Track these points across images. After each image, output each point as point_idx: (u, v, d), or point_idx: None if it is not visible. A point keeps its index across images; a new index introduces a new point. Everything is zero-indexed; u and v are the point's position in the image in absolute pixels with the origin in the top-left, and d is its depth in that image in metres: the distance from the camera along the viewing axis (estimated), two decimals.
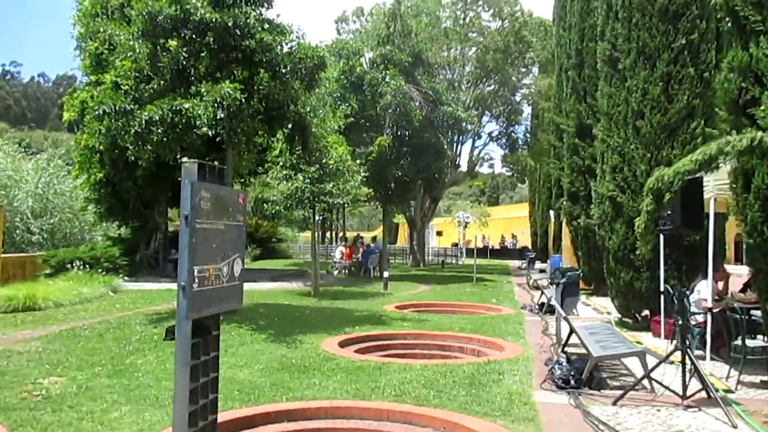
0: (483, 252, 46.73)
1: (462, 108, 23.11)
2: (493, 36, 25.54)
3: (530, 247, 42.71)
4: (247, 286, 15.89)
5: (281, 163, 15.38)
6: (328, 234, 41.70)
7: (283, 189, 15.30)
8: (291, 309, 12.38)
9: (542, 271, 22.87)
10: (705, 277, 8.15)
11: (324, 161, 15.21)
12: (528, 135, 27.41)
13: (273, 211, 16.46)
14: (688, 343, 5.67)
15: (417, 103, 20.48)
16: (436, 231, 54.26)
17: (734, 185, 5.63)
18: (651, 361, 6.48)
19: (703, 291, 7.93)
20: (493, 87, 27.43)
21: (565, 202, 17.41)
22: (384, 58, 21.29)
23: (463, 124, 21.87)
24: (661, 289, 9.63)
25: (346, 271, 23.58)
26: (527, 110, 28.67)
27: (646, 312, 10.80)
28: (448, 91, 23.89)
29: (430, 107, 20.75)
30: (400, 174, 21.17)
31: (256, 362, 7.53)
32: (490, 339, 9.49)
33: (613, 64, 10.89)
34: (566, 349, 8.62)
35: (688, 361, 5.66)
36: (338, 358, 7.80)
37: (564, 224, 19.99)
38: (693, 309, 8.07)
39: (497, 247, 51.62)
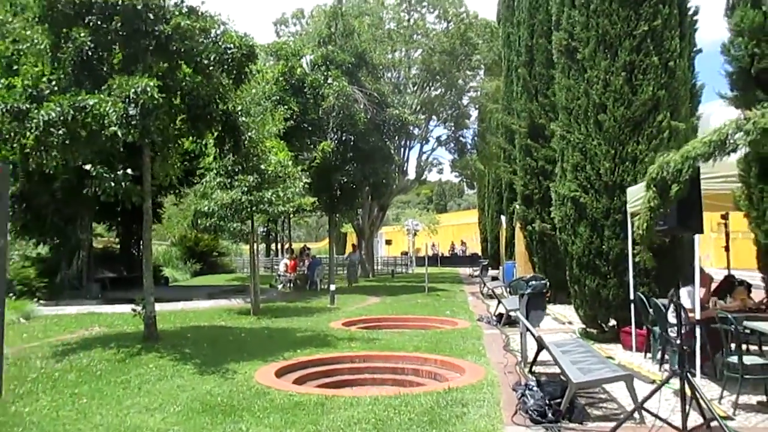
0: (433, 260, 45.98)
1: (409, 111, 22.19)
2: (438, 38, 24.78)
3: (480, 254, 42.27)
4: (180, 305, 14.44)
5: (215, 170, 14.05)
6: (273, 246, 40.17)
7: (218, 198, 13.97)
8: (225, 332, 11.08)
9: (495, 278, 22.12)
10: (685, 283, 7.33)
11: (262, 167, 13.98)
12: (476, 139, 26.72)
13: (206, 225, 15.10)
14: (687, 367, 4.73)
15: (362, 106, 19.44)
16: (385, 240, 53.38)
17: (745, 174, 4.75)
18: (638, 384, 5.57)
19: (686, 300, 7.10)
20: (440, 90, 26.65)
21: (518, 206, 16.66)
22: (326, 59, 20.20)
23: (411, 128, 20.96)
24: (632, 297, 8.85)
25: (291, 285, 22.27)
26: (475, 114, 28.05)
27: (614, 322, 9.99)
28: (394, 94, 22.96)
29: (375, 110, 19.75)
30: (345, 180, 20.05)
31: (173, 403, 6.26)
32: (448, 359, 8.46)
33: (570, 54, 10.10)
34: (534, 368, 7.67)
35: (687, 389, 4.74)
36: (273, 392, 6.61)
37: (517, 229, 19.27)
38: (673, 320, 7.22)
39: (447, 254, 51.05)
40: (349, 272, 23.55)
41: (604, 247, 9.43)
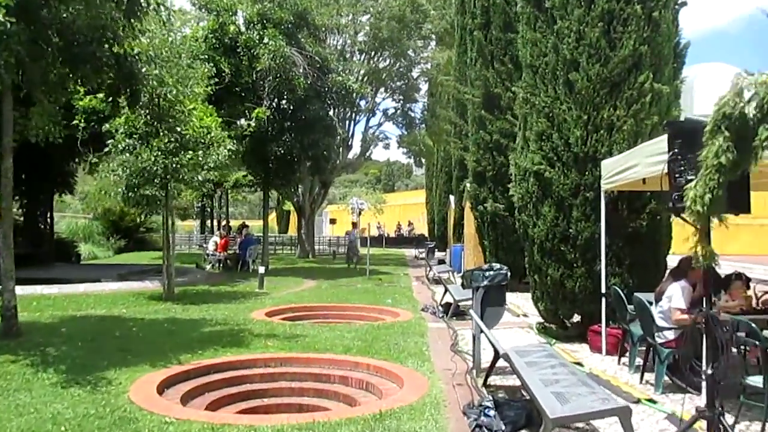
0: (378, 241, 44.53)
1: (354, 79, 20.37)
2: (388, 2, 22.95)
3: (427, 235, 41.00)
4: (81, 288, 12.24)
5: (122, 131, 12.01)
6: (209, 222, 37.82)
7: (125, 163, 11.99)
8: (116, 324, 9.20)
9: (442, 261, 20.76)
10: (675, 277, 5.93)
11: (180, 129, 12.05)
12: (425, 113, 25.10)
13: (113, 193, 13.08)
14: (718, 403, 3.26)
15: (301, 70, 17.53)
16: (329, 219, 51.62)
17: None
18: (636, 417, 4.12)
19: (676, 297, 5.70)
20: (388, 61, 24.87)
21: (469, 185, 15.20)
22: (261, 17, 18.12)
23: (356, 98, 19.20)
24: (602, 289, 7.46)
25: (221, 266, 20.34)
26: (425, 88, 26.44)
27: (578, 318, 8.62)
28: (339, 62, 21.07)
29: (316, 75, 17.86)
30: (282, 152, 18.16)
31: None
32: (384, 365, 6.88)
33: (537, 2, 8.55)
34: (490, 380, 6.18)
35: None
36: (143, 417, 4.89)
37: (467, 210, 17.87)
38: (662, 322, 5.83)
39: (393, 235, 49.67)
40: (349, 253, 21.26)
41: (571, 230, 8.00)
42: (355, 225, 25.74)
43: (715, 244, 3.34)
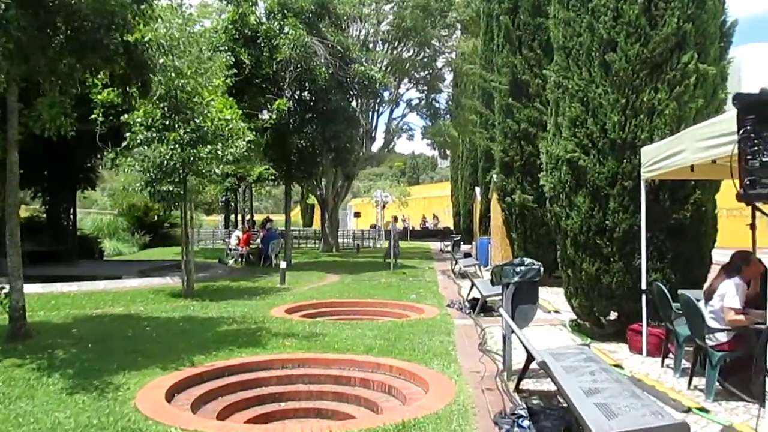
0: (403, 234, 44.08)
1: (377, 69, 19.85)
2: None
3: (453, 228, 40.41)
4: (102, 285, 12.11)
5: (140, 123, 11.73)
6: (233, 217, 37.70)
7: (143, 156, 11.75)
8: (130, 323, 8.93)
9: (468, 255, 20.23)
10: (728, 273, 5.39)
11: (198, 121, 11.75)
12: (450, 103, 24.48)
13: (131, 189, 12.85)
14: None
15: (322, 60, 17.11)
16: (354, 212, 51.33)
17: None
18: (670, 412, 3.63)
19: (729, 296, 5.17)
20: (412, 51, 24.30)
21: (496, 175, 14.67)
22: (282, 6, 17.75)
23: (378, 88, 18.73)
24: (643, 286, 6.93)
25: (243, 261, 20.10)
26: (450, 78, 25.84)
27: (615, 315, 8.09)
28: (361, 52, 20.59)
29: (338, 64, 17.43)
30: (304, 144, 17.79)
31: None
32: (408, 366, 6.46)
33: None
34: (522, 384, 5.72)
35: None
36: (149, 427, 4.55)
37: (494, 201, 17.34)
38: (713, 323, 5.31)
39: (418, 228, 49.16)
40: (392, 249, 20.00)
41: (607, 222, 7.46)
42: (396, 219, 24.86)
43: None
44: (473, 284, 11.59)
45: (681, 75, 7.04)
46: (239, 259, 20.13)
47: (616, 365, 6.39)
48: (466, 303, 11.12)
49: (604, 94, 7.43)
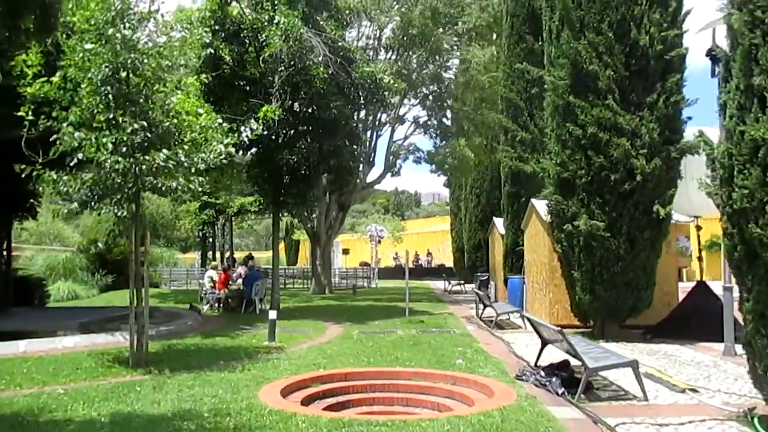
0: (397, 272, 40.50)
1: (386, 71, 16.56)
2: None
3: (453, 265, 36.94)
4: (23, 346, 7.46)
5: (70, 120, 8.23)
6: (211, 254, 33.78)
7: (77, 167, 8.24)
8: None
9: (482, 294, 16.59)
10: None
11: (155, 115, 8.31)
12: (464, 121, 21.21)
13: (59, 213, 9.32)
14: None
15: (320, 57, 13.84)
16: (342, 249, 47.64)
17: None
18: None
19: None
20: (418, 61, 21.09)
21: (554, 196, 11.30)
22: None
23: (387, 95, 15.41)
24: None
25: (220, 306, 16.40)
26: (461, 92, 22.59)
27: None
28: (364, 55, 17.39)
29: (339, 63, 14.16)
30: (296, 161, 14.34)
31: None
32: None
33: None
34: None
35: None
36: None
37: (532, 232, 13.96)
38: None
39: (411, 266, 45.56)
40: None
41: None
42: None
43: None
44: (544, 341, 8.16)
45: None
46: (215, 305, 16.44)
47: None
48: (541, 372, 7.63)
49: None
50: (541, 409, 6.05)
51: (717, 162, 5.13)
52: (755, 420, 5.36)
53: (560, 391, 6.78)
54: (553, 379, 7.14)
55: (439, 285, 30.64)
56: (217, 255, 31.84)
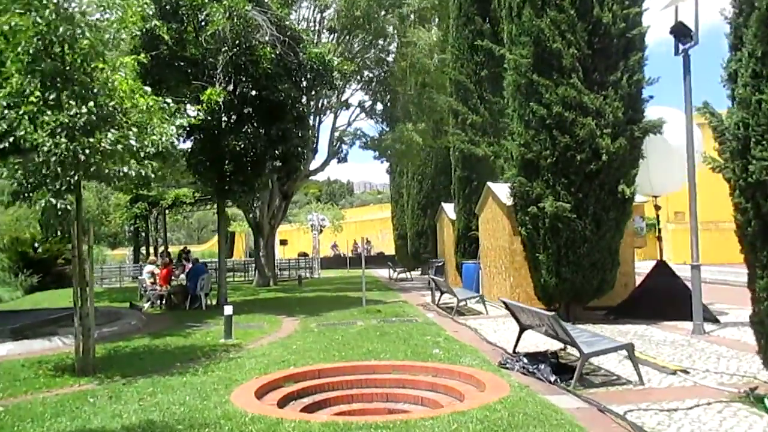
0: (337, 262, 39.95)
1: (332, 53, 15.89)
2: None
3: (395, 253, 36.64)
4: None
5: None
6: (144, 249, 32.12)
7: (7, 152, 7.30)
8: None
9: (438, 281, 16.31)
10: None
11: (96, 93, 7.46)
12: (411, 105, 20.73)
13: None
14: None
15: (267, 37, 13.07)
16: (279, 239, 46.62)
17: None
18: None
19: None
20: (363, 44, 20.48)
21: (517, 178, 11.05)
22: None
23: (335, 76, 14.74)
24: None
25: (163, 304, 15.41)
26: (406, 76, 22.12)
27: None
28: (309, 37, 16.65)
29: (287, 43, 13.41)
30: (242, 147, 13.53)
31: None
32: None
33: None
34: None
35: None
36: None
37: (489, 216, 13.72)
38: None
39: (350, 255, 45.11)
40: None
41: None
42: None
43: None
44: (522, 327, 7.89)
45: None
46: (158, 302, 15.44)
47: None
48: (523, 359, 7.32)
49: None
50: (542, 400, 5.72)
51: (728, 133, 4.89)
52: (765, 400, 5.18)
53: (552, 379, 6.47)
54: (542, 366, 6.83)
55: (382, 273, 30.33)
56: (151, 250, 30.29)
